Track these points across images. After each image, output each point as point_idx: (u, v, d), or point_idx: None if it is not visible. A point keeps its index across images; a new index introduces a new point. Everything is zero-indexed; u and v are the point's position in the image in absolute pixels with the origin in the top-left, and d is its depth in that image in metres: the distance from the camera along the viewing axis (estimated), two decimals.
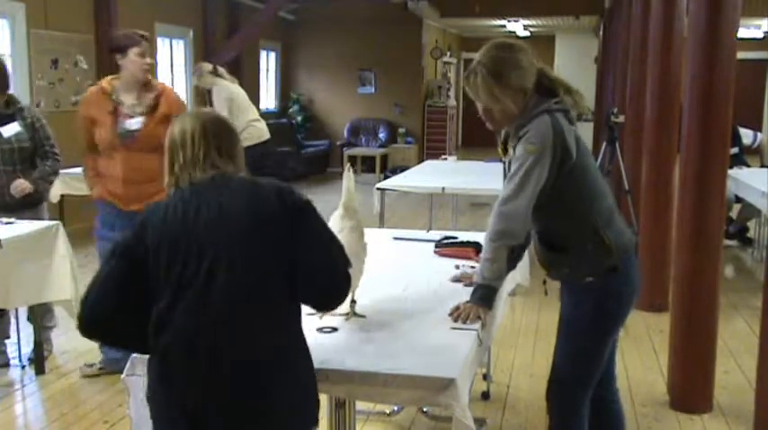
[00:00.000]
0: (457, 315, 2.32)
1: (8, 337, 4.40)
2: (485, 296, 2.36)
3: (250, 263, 1.80)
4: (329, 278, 1.90)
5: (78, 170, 5.97)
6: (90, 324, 1.83)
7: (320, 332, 2.22)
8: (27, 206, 4.20)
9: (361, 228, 2.43)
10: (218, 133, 1.95)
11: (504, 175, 2.47)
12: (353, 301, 2.38)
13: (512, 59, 2.40)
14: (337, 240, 1.95)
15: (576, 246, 2.46)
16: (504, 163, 2.52)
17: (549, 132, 2.33)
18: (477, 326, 2.26)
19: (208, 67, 7.47)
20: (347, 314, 2.35)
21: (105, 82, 3.98)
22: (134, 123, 3.88)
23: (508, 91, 2.39)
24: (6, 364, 4.29)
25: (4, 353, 4.35)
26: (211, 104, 8.66)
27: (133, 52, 3.88)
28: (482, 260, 2.42)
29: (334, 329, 2.25)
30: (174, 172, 1.93)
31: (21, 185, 4.13)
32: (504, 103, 2.40)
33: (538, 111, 2.39)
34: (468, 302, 2.36)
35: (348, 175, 2.43)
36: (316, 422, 1.91)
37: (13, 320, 4.45)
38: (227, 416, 1.79)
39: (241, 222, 1.82)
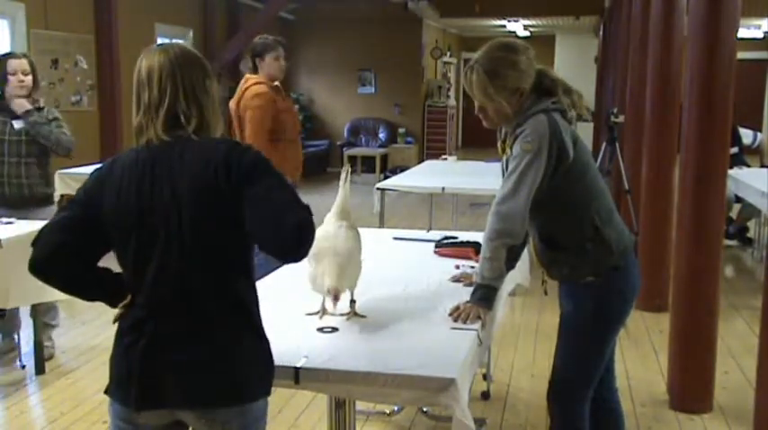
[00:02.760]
0: (457, 315, 2.32)
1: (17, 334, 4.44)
2: (485, 296, 2.36)
3: (200, 241, 1.79)
4: (279, 233, 1.77)
5: (77, 170, 5.98)
6: (39, 263, 1.84)
7: (320, 332, 2.22)
8: (36, 204, 4.26)
9: (355, 227, 2.43)
10: (186, 74, 1.85)
11: (503, 174, 2.48)
12: (353, 301, 2.38)
13: (510, 60, 2.41)
14: (291, 191, 1.82)
15: (576, 245, 2.46)
16: (503, 161, 2.52)
17: (546, 131, 2.34)
18: (477, 326, 2.26)
19: None
20: (347, 314, 2.35)
21: (261, 81, 4.59)
22: None
23: (503, 91, 2.40)
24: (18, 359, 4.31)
25: (16, 349, 4.38)
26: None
27: (270, 56, 4.60)
28: (481, 260, 2.42)
29: (335, 329, 2.25)
30: (138, 113, 1.86)
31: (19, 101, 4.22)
32: (497, 102, 2.41)
33: (535, 110, 2.40)
34: (468, 302, 2.36)
35: (345, 176, 2.43)
36: (250, 398, 1.86)
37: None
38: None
39: (190, 197, 1.78)
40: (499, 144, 2.57)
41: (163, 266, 1.80)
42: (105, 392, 1.91)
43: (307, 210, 1.79)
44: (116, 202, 1.82)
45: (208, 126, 1.89)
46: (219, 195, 1.78)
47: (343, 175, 2.43)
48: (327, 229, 2.36)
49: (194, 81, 1.87)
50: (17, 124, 4.22)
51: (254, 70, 4.70)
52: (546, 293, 2.67)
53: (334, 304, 2.25)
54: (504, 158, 2.50)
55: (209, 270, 1.81)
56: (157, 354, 1.81)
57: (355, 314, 2.36)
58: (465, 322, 2.28)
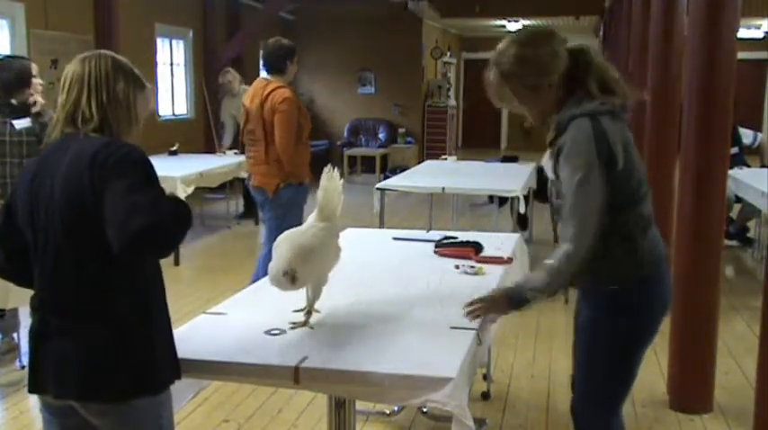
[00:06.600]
0: (473, 310, 2.25)
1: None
2: (521, 305, 2.24)
3: (68, 238, 1.83)
4: (120, 235, 1.75)
5: None
6: None
7: (315, 330, 2.22)
8: None
9: (333, 230, 2.36)
10: (97, 78, 1.94)
11: (551, 172, 2.29)
12: (310, 312, 2.29)
13: (526, 56, 2.22)
14: (150, 194, 1.80)
15: (606, 251, 2.23)
16: (546, 159, 2.34)
17: (590, 143, 2.14)
18: (477, 325, 2.26)
19: (238, 76, 8.32)
20: (296, 323, 2.26)
21: (284, 85, 4.65)
22: None
23: (523, 90, 2.25)
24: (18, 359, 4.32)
25: (16, 349, 4.39)
26: (217, 107, 9.02)
27: (296, 58, 4.73)
28: (544, 276, 2.22)
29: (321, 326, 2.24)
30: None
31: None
32: (515, 105, 2.29)
33: (579, 112, 2.19)
34: (497, 297, 2.27)
35: (328, 176, 2.36)
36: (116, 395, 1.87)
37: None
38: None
39: (61, 194, 1.83)
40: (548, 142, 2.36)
41: (43, 259, 1.88)
42: None
43: (158, 215, 1.75)
44: (20, 197, 1.93)
45: (110, 129, 1.92)
46: (85, 194, 1.80)
47: (323, 176, 2.37)
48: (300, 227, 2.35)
49: (103, 84, 1.93)
50: (18, 124, 4.22)
51: (281, 72, 4.68)
52: (566, 301, 2.63)
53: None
54: (548, 154, 2.31)
55: (79, 268, 1.84)
56: (39, 344, 1.91)
57: (304, 325, 2.25)
58: (480, 318, 2.24)
